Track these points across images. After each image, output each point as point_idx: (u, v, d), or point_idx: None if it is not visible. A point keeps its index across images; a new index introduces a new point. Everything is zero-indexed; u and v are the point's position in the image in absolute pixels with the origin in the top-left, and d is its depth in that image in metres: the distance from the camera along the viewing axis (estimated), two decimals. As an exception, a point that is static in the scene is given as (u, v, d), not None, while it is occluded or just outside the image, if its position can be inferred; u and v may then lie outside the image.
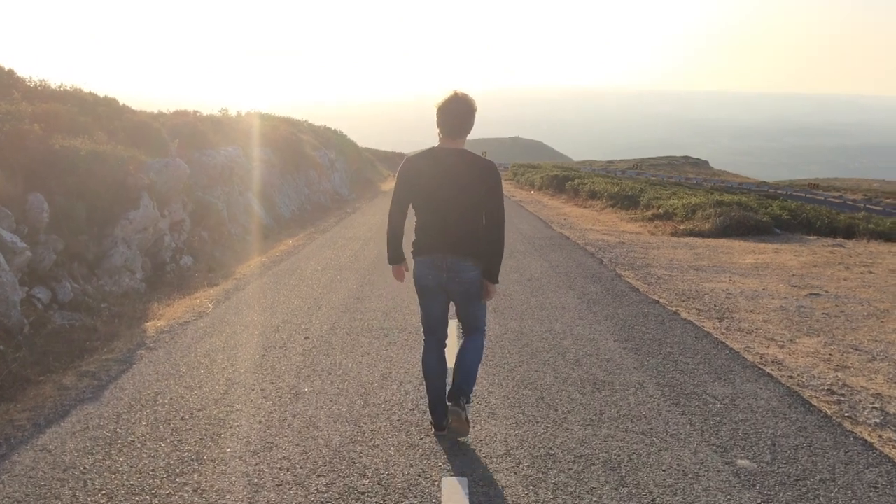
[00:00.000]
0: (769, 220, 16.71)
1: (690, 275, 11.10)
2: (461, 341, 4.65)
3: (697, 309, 8.55)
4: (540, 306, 8.34)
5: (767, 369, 6.12)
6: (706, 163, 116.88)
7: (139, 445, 4.34)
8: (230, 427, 4.63)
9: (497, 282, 4.45)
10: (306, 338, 6.82)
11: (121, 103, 13.94)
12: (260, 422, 4.73)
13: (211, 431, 4.55)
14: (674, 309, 8.46)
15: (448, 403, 4.44)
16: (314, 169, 26.06)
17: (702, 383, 5.63)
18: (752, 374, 5.91)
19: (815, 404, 5.27)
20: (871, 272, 11.54)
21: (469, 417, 4.56)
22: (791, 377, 5.96)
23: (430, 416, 4.65)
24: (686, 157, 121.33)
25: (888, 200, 58.79)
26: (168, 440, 4.42)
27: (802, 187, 73.20)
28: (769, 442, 4.51)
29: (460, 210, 4.24)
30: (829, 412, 5.12)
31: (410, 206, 4.40)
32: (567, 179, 31.06)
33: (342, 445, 4.37)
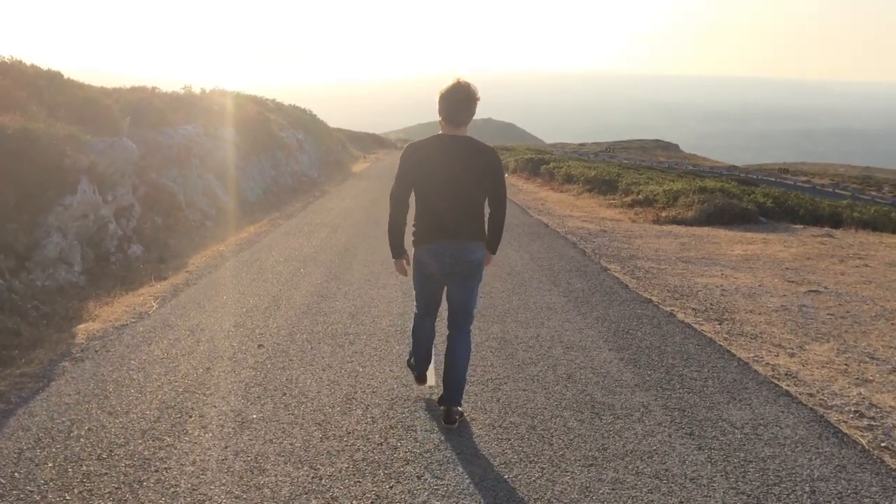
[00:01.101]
0: (754, 208, 16.09)
1: (679, 268, 10.39)
2: (448, 339, 4.62)
3: (693, 309, 7.83)
4: (524, 306, 7.56)
5: (783, 384, 5.41)
6: (676, 146, 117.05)
7: (38, 499, 3.48)
8: (155, 471, 3.77)
9: (495, 252, 4.59)
10: (260, 346, 5.97)
11: (66, 77, 12.85)
12: (194, 462, 3.88)
13: (131, 477, 3.70)
14: (668, 309, 7.72)
15: (439, 408, 4.65)
16: (281, 150, 25.01)
17: (715, 405, 4.89)
18: (769, 393, 5.18)
19: (847, 431, 4.55)
20: (867, 265, 10.93)
21: (462, 412, 4.62)
22: (811, 395, 5.24)
23: (413, 372, 4.95)
24: (657, 141, 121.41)
25: (854, 185, 59.07)
26: (76, 490, 3.56)
27: (772, 172, 73.31)
28: (807, 488, 3.77)
29: (466, 196, 4.28)
30: (863, 442, 4.41)
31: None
32: (542, 163, 30.28)
33: (293, 498, 3.54)
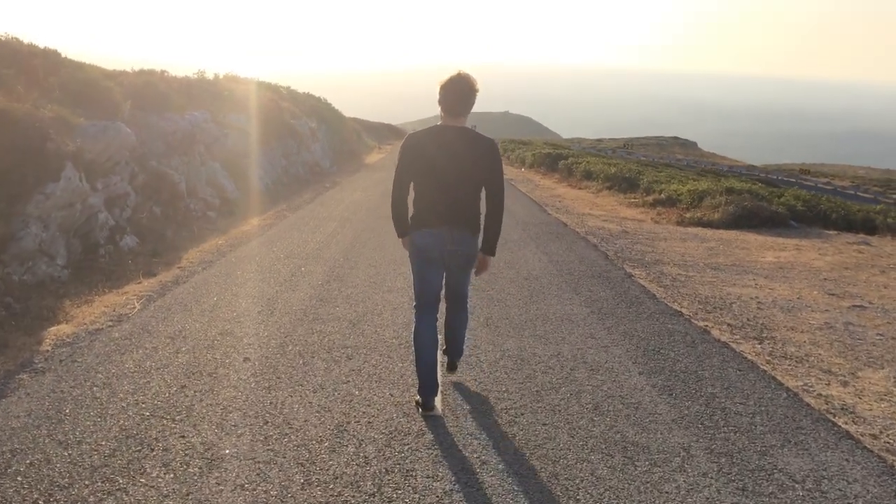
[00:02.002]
0: (784, 211, 15.27)
1: (709, 275, 9.66)
2: (447, 312, 4.83)
3: (729, 324, 7.10)
4: (542, 317, 6.85)
5: (841, 422, 4.69)
6: (694, 144, 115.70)
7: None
8: (97, 527, 3.12)
9: (494, 254, 4.63)
10: (246, 360, 5.30)
11: (63, 56, 12.23)
12: (146, 515, 3.22)
13: (66, 535, 3.05)
14: (702, 324, 7.00)
15: (442, 355, 4.90)
16: (293, 139, 24.35)
17: (768, 450, 4.17)
18: (828, 434, 4.46)
19: (926, 488, 3.84)
20: (911, 278, 10.15)
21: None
22: (875, 437, 4.52)
23: (417, 396, 4.61)
24: (675, 138, 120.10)
25: (875, 188, 57.77)
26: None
27: (793, 172, 72.05)
28: (896, 572, 3.06)
29: (463, 185, 4.38)
30: (948, 503, 3.69)
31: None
32: (560, 158, 29.49)
33: (259, 571, 2.87)
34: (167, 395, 4.57)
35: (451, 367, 5.08)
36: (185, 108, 15.79)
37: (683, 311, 7.52)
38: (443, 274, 4.60)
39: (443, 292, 4.70)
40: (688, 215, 15.69)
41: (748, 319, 7.36)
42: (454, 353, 4.98)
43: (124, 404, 4.40)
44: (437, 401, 4.60)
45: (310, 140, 27.43)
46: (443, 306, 4.76)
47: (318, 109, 34.17)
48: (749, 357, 6.02)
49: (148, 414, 4.27)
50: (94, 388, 4.63)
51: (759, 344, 6.52)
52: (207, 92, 19.36)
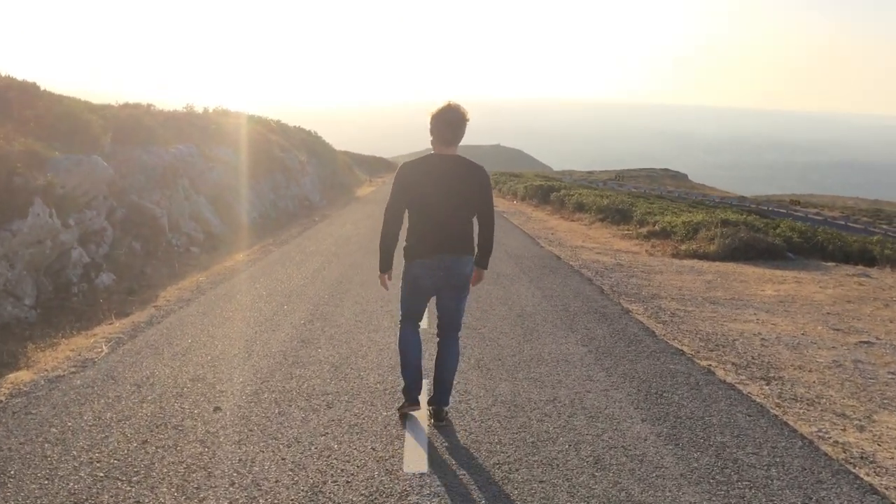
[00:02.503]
0: (781, 243, 14.98)
1: (708, 310, 9.30)
2: (439, 345, 4.89)
3: (734, 363, 6.73)
4: (537, 358, 6.46)
5: (863, 473, 4.30)
6: (685, 176, 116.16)
7: None
8: None
9: (487, 268, 4.84)
10: (216, 409, 4.88)
11: (42, 89, 11.91)
12: None
13: None
14: (705, 363, 6.62)
15: (429, 408, 4.86)
16: (282, 172, 24.06)
17: (789, 510, 3.78)
18: (851, 489, 4.07)
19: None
20: (917, 311, 9.81)
21: (450, 419, 4.86)
22: (902, 490, 4.13)
23: (402, 394, 4.86)
24: (665, 170, 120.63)
25: (865, 218, 57.79)
26: None
27: (783, 203, 72.17)
28: None
29: (456, 212, 4.51)
30: None
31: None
32: (552, 190, 29.28)
33: None
34: (126, 452, 4.14)
35: (439, 417, 4.80)
36: (171, 142, 15.48)
37: (685, 349, 7.14)
38: (430, 297, 4.80)
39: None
40: (683, 247, 15.38)
41: (753, 358, 6.99)
42: (442, 396, 4.81)
43: (77, 463, 3.97)
44: (422, 398, 4.91)
45: (299, 173, 27.14)
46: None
47: (309, 143, 33.97)
48: (758, 400, 5.64)
49: (102, 475, 3.85)
50: (46, 445, 4.20)
51: (767, 385, 6.14)
52: (195, 126, 19.08)
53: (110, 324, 7.29)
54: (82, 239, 9.39)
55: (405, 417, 4.82)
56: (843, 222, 53.84)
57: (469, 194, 4.54)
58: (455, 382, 5.16)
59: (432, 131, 4.52)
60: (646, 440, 4.63)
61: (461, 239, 4.58)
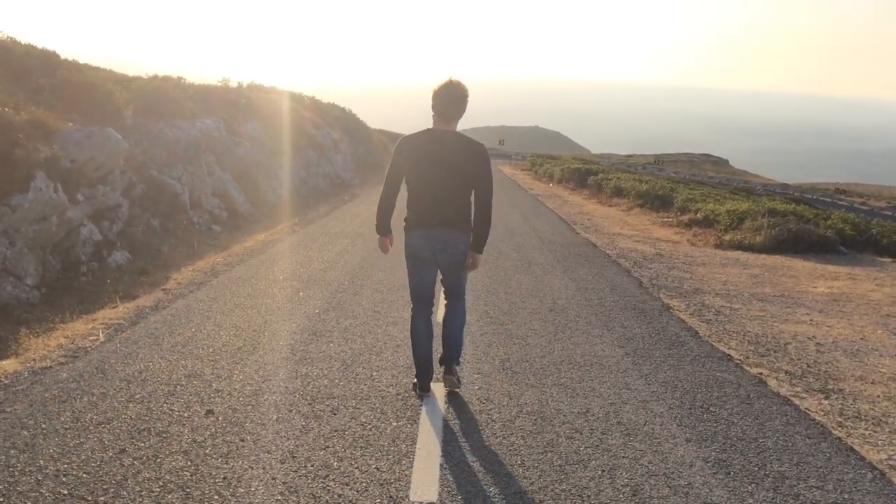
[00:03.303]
0: (833, 235, 14.12)
1: (756, 308, 8.62)
2: (445, 307, 4.98)
3: (787, 372, 6.08)
4: (568, 360, 5.88)
5: (948, 517, 3.67)
6: (726, 161, 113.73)
7: None
8: None
9: (482, 252, 4.72)
10: (209, 412, 4.39)
11: (63, 58, 11.53)
12: None
13: None
14: (755, 371, 5.98)
15: (440, 367, 4.97)
16: (314, 149, 23.60)
17: (865, 566, 3.17)
18: (938, 539, 3.45)
19: None
20: None
21: (459, 377, 4.99)
22: None
23: (415, 380, 4.93)
24: (706, 155, 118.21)
25: (915, 209, 55.81)
26: None
27: (827, 192, 70.18)
28: None
29: (453, 187, 4.55)
30: None
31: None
32: (590, 173, 28.46)
33: None
34: (98, 463, 3.66)
35: (449, 373, 4.92)
36: (199, 116, 15.07)
37: (732, 353, 6.50)
38: (436, 272, 4.82)
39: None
40: (727, 237, 14.59)
41: (808, 366, 6.33)
42: (450, 354, 4.93)
43: (41, 476, 3.50)
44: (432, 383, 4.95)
45: (332, 151, 26.68)
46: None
47: (343, 120, 33.45)
48: (817, 418, 5.00)
49: (66, 492, 3.37)
50: (12, 452, 3.74)
51: (826, 399, 5.49)
52: (224, 100, 18.67)
53: (114, 307, 6.85)
54: (95, 215, 8.99)
55: (422, 397, 4.84)
56: (890, 213, 52.04)
57: (466, 170, 4.57)
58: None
59: (433, 106, 4.58)
60: (692, 466, 4.03)
61: (458, 215, 4.63)
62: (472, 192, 4.64)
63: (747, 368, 6.07)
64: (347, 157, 29.92)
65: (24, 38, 11.33)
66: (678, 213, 18.53)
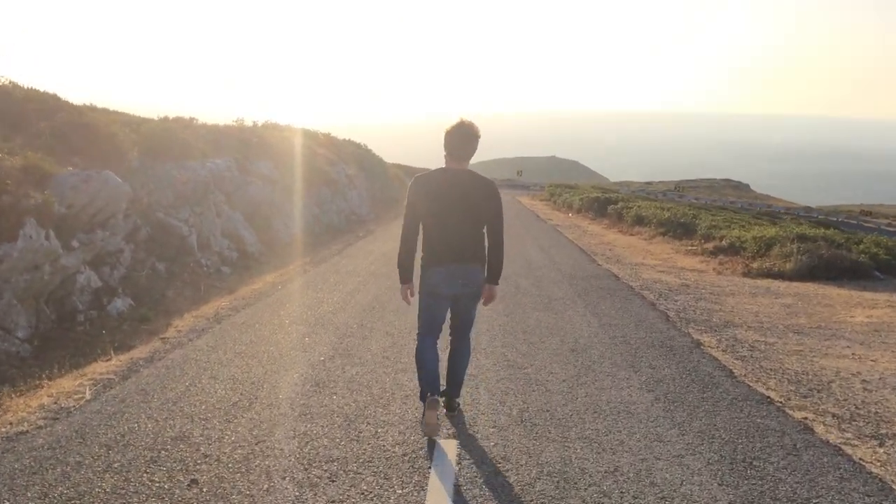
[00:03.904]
0: (867, 260, 13.51)
1: (793, 342, 8.07)
2: (451, 344, 5.06)
3: (834, 415, 5.53)
4: (593, 408, 5.37)
5: None
6: (747, 186, 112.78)
7: None
8: None
9: (497, 283, 4.90)
10: (192, 483, 3.93)
11: (63, 100, 11.31)
12: None
13: None
14: (799, 415, 5.45)
15: (440, 400, 4.87)
16: (328, 186, 23.35)
17: None
18: None
19: None
20: None
21: (461, 408, 5.18)
22: None
23: (420, 399, 4.92)
24: (727, 180, 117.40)
25: (944, 231, 54.64)
26: None
27: (852, 213, 69.13)
28: None
29: (467, 223, 4.74)
30: None
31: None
32: (609, 202, 27.97)
33: None
34: (59, 550, 3.22)
35: (451, 408, 5.08)
36: (209, 156, 14.85)
37: (772, 395, 5.97)
38: (448, 307, 4.93)
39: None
40: (755, 265, 14.02)
41: (856, 407, 5.78)
42: (454, 389, 5.08)
43: (-8, 569, 3.06)
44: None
45: (346, 187, 26.44)
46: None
47: (358, 156, 33.30)
48: (873, 470, 4.47)
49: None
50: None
51: (881, 446, 4.95)
52: (235, 139, 18.49)
53: (107, 360, 6.45)
54: (95, 261, 8.66)
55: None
56: (919, 234, 50.93)
57: (479, 207, 4.73)
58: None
59: (445, 146, 4.72)
60: (738, 538, 3.51)
61: (473, 250, 4.77)
62: (484, 227, 4.81)
63: (790, 412, 5.53)
64: (363, 193, 29.68)
65: (26, 83, 11.15)
66: (702, 241, 17.98)
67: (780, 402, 5.78)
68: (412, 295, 4.88)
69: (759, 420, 5.30)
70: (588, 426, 4.99)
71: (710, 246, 16.99)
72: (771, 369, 6.86)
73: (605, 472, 4.24)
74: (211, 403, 5.23)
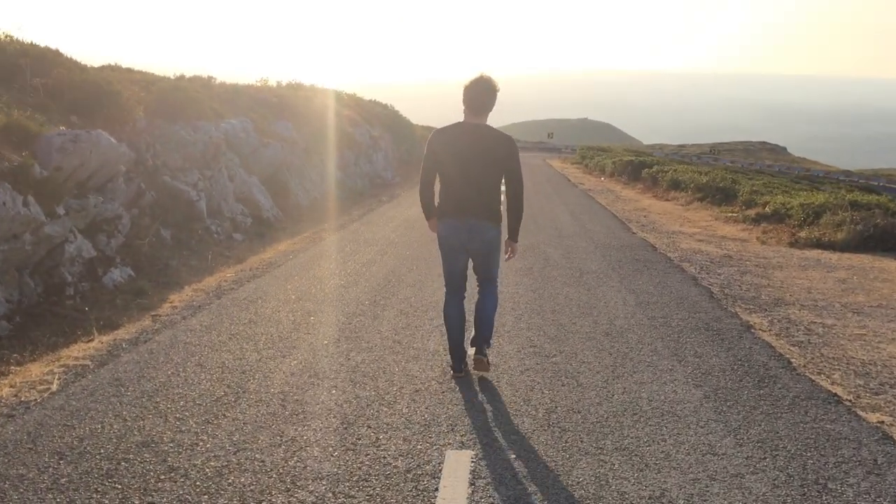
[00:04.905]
0: (927, 230, 12.49)
1: (853, 323, 7.23)
2: (478, 293, 5.13)
3: (916, 418, 4.72)
4: (632, 409, 4.61)
5: None
6: (784, 149, 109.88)
7: None
8: None
9: (517, 240, 5.08)
10: (148, 507, 3.27)
11: (66, 56, 10.62)
12: None
13: None
14: (874, 418, 4.65)
15: (471, 349, 5.15)
16: (351, 148, 22.59)
17: None
18: None
19: None
20: None
21: (490, 359, 5.13)
22: None
23: (449, 360, 5.19)
24: (763, 143, 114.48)
25: None
26: None
27: (893, 177, 66.93)
28: None
29: (482, 177, 4.79)
30: None
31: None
32: (644, 166, 26.89)
33: None
34: None
35: (480, 353, 5.05)
36: (225, 116, 14.15)
37: (839, 391, 5.17)
38: (467, 258, 5.04)
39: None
40: (802, 234, 13.06)
41: (940, 407, 4.96)
42: (482, 335, 5.09)
43: None
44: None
45: (371, 149, 25.68)
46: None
47: (384, 117, 32.43)
48: (976, 494, 3.67)
49: None
50: None
51: (977, 460, 4.14)
52: (253, 98, 17.77)
53: (89, 341, 5.82)
54: (90, 229, 8.04)
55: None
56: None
57: (495, 160, 4.78)
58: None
59: (464, 101, 4.79)
60: None
61: (485, 205, 4.81)
62: (501, 183, 4.86)
63: (863, 414, 4.74)
64: (388, 156, 28.89)
65: (26, 37, 10.45)
66: (743, 208, 16.97)
67: (850, 401, 4.98)
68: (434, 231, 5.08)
69: (828, 425, 4.51)
70: (627, 433, 4.24)
71: (752, 213, 16.00)
72: (833, 358, 6.04)
73: (650, 497, 3.49)
74: (192, 398, 4.56)
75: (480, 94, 4.74)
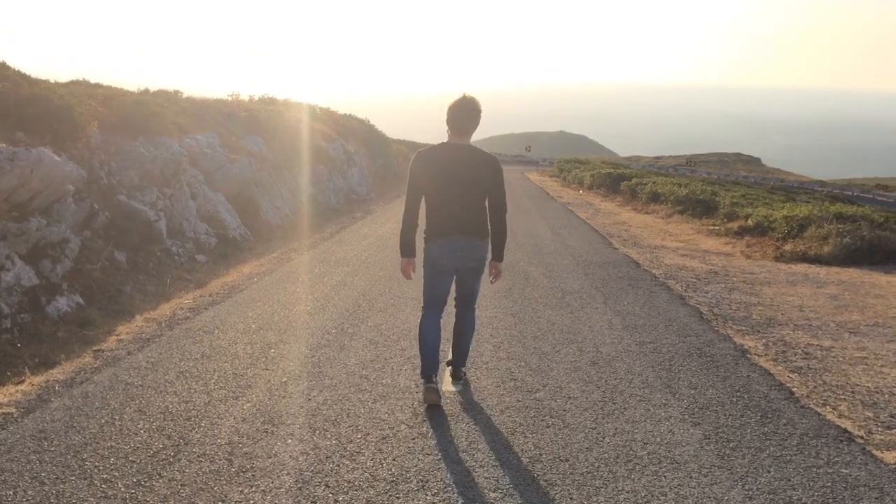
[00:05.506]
0: (915, 242, 12.15)
1: (851, 345, 6.79)
2: (456, 316, 5.08)
3: (937, 459, 4.25)
4: (625, 455, 4.09)
5: None
6: (758, 160, 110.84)
7: None
8: None
9: (502, 261, 4.97)
10: None
11: (13, 69, 10.00)
12: None
13: None
14: (891, 459, 4.18)
15: (448, 367, 5.28)
16: (324, 164, 22.01)
17: None
18: None
19: None
20: None
21: (468, 378, 5.30)
22: None
23: (421, 378, 4.95)
24: (737, 154, 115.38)
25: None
26: None
27: (866, 188, 67.43)
28: None
29: (469, 198, 4.78)
30: None
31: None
32: (622, 178, 26.56)
33: None
34: None
35: (457, 377, 5.20)
36: (189, 132, 13.56)
37: (848, 426, 4.70)
38: (452, 280, 4.95)
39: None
40: (787, 248, 12.69)
41: (960, 444, 4.49)
42: (458, 359, 5.19)
43: None
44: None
45: (346, 164, 25.12)
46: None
47: (360, 132, 31.89)
48: None
49: None
50: None
51: None
52: (221, 113, 17.16)
53: (19, 382, 5.21)
54: (32, 254, 7.42)
55: (432, 409, 4.73)
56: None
57: (481, 180, 4.75)
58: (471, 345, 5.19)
59: (448, 121, 4.76)
60: None
61: (475, 223, 4.79)
62: (486, 201, 4.83)
63: (878, 454, 4.26)
64: (364, 171, 28.33)
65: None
66: (725, 220, 16.63)
67: (862, 438, 4.51)
68: (413, 271, 4.90)
69: (843, 469, 4.03)
70: (622, 485, 3.73)
71: (734, 226, 15.64)
72: (837, 386, 5.58)
73: (652, 571, 2.97)
74: (125, 453, 3.98)
75: (465, 115, 4.71)
